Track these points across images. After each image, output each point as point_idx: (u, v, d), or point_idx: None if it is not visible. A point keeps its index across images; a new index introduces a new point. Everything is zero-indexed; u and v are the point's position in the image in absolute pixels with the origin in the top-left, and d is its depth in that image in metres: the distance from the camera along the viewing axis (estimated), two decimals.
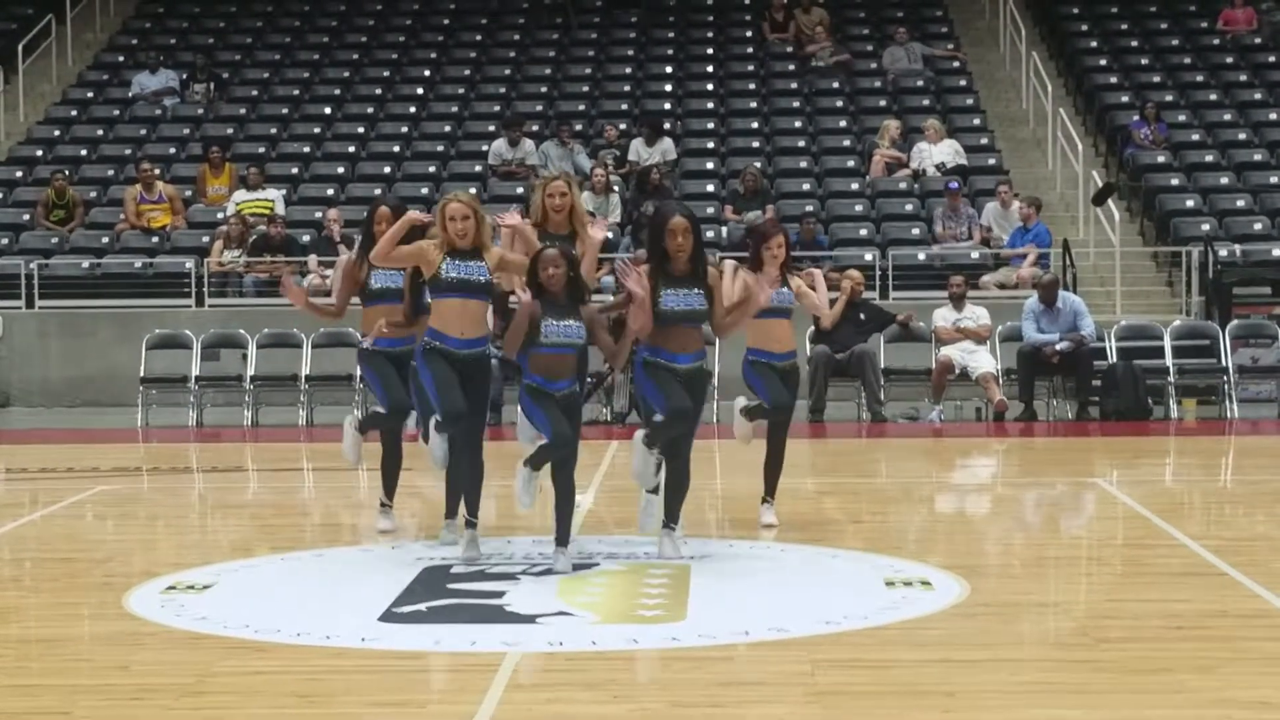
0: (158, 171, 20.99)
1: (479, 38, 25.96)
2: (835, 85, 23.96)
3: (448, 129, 23.15)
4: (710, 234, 18.65)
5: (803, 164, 21.92)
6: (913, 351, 17.08)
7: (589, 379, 11.38)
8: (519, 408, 8.19)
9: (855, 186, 21.19)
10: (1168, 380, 16.83)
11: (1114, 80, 23.95)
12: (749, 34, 25.79)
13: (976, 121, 22.87)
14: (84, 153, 22.61)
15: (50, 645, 6.77)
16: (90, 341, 18.85)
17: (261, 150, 22.36)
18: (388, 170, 21.86)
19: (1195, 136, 22.27)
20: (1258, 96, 23.29)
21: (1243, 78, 23.90)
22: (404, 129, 23.10)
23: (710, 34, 25.94)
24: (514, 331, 7.94)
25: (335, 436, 8.79)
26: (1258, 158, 21.74)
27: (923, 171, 21.17)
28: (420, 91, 24.28)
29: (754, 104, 23.72)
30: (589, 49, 25.61)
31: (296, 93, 24.30)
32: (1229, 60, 24.40)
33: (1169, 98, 23.17)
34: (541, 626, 6.82)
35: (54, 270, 19.44)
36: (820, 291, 9.71)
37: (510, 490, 8.22)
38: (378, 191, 20.12)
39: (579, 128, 22.46)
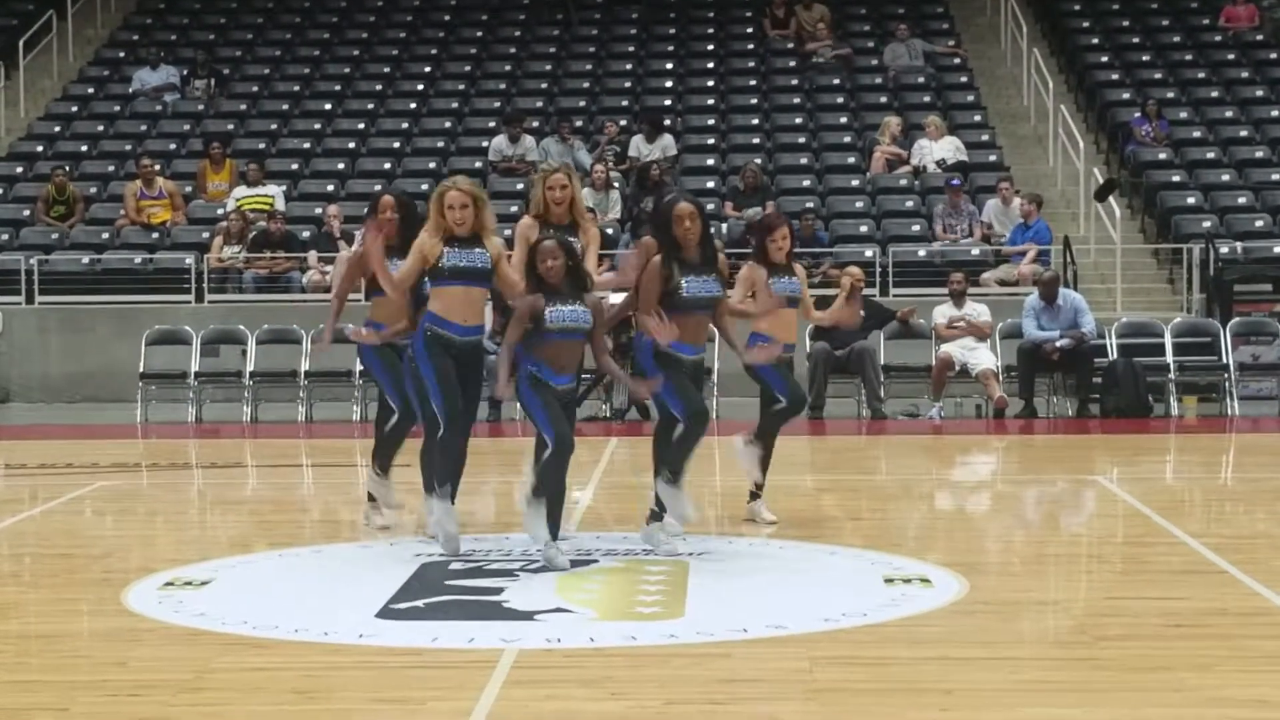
0: (158, 167, 20.99)
1: (479, 33, 25.97)
2: (836, 82, 23.95)
3: (448, 125, 23.15)
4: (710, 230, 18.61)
5: (803, 160, 21.91)
6: (913, 348, 17.07)
7: (586, 375, 11.35)
8: (518, 404, 8.10)
9: (856, 183, 21.17)
10: (1168, 377, 16.82)
11: (1115, 77, 23.94)
12: (750, 30, 25.78)
13: (977, 118, 22.86)
14: (84, 148, 22.61)
15: (49, 641, 6.77)
16: (90, 337, 18.84)
17: (262, 146, 22.36)
18: (388, 166, 21.86)
19: (1196, 133, 22.25)
20: (1259, 93, 23.28)
21: (1244, 74, 23.89)
22: (404, 125, 23.10)
23: (711, 30, 25.94)
24: (514, 325, 7.90)
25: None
26: (1259, 155, 21.73)
27: (923, 168, 21.16)
28: (420, 87, 24.27)
29: (754, 100, 23.71)
30: (589, 45, 25.61)
31: (297, 89, 24.30)
32: (1230, 57, 24.39)
33: (1170, 94, 23.16)
34: (540, 623, 6.81)
35: (54, 266, 19.44)
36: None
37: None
38: (377, 187, 20.03)
39: (579, 124, 22.46)
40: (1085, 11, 25.76)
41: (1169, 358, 16.93)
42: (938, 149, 21.18)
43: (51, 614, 7.30)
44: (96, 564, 8.53)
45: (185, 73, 24.04)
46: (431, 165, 21.74)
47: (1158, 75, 23.97)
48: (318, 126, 23.09)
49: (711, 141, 22.68)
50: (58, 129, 23.15)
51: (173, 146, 22.56)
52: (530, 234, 8.55)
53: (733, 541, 8.87)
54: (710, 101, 23.80)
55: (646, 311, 8.23)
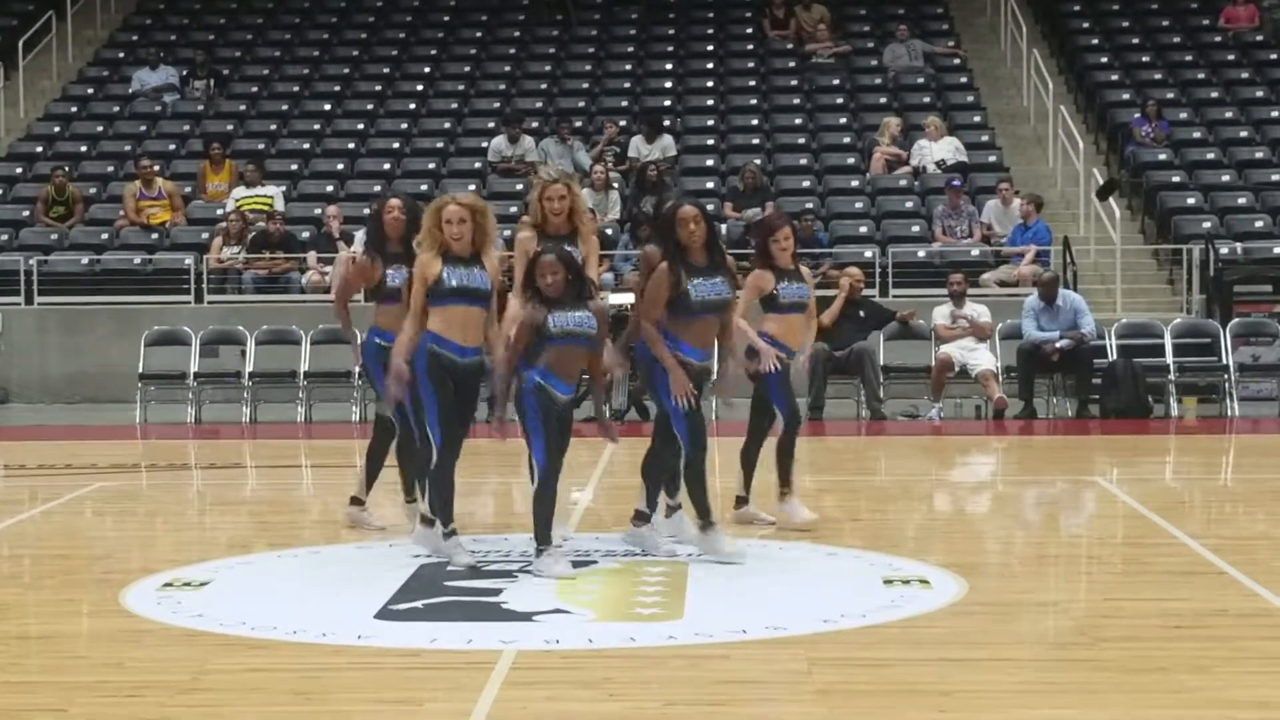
0: (157, 168, 20.99)
1: (479, 34, 25.97)
2: (835, 82, 23.95)
3: (447, 125, 23.14)
4: None
5: (803, 161, 21.91)
6: (912, 349, 17.06)
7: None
8: (518, 416, 7.98)
9: (855, 184, 21.17)
10: (1168, 378, 16.81)
11: (1115, 78, 23.94)
12: (749, 30, 25.78)
13: (977, 119, 22.86)
14: (84, 149, 22.61)
15: (47, 642, 6.77)
16: (89, 338, 18.84)
17: (261, 147, 22.35)
18: (387, 167, 21.85)
19: (1196, 134, 22.25)
20: (1259, 94, 23.27)
21: (1244, 75, 23.89)
22: (403, 125, 23.09)
23: (710, 30, 25.94)
24: (515, 340, 7.86)
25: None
26: (1259, 155, 21.72)
27: (923, 169, 21.16)
28: (420, 88, 24.27)
29: (754, 101, 23.71)
30: (589, 45, 25.61)
31: (296, 89, 24.30)
32: (1230, 58, 24.39)
33: (1170, 95, 23.16)
34: (538, 624, 6.80)
35: (53, 266, 19.43)
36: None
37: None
38: (377, 188, 20.12)
39: (579, 124, 22.45)
40: (1085, 12, 25.76)
41: (1169, 358, 16.92)
42: (937, 150, 21.17)
43: (50, 615, 7.30)
44: (95, 565, 8.52)
45: (185, 73, 24.04)
46: (431, 165, 21.74)
47: (1157, 76, 23.96)
48: (317, 127, 23.08)
49: (711, 142, 22.68)
50: (57, 129, 23.15)
51: (172, 147, 22.56)
52: (529, 246, 8.39)
53: (732, 542, 8.84)
54: (710, 102, 23.80)
55: (650, 319, 8.20)
